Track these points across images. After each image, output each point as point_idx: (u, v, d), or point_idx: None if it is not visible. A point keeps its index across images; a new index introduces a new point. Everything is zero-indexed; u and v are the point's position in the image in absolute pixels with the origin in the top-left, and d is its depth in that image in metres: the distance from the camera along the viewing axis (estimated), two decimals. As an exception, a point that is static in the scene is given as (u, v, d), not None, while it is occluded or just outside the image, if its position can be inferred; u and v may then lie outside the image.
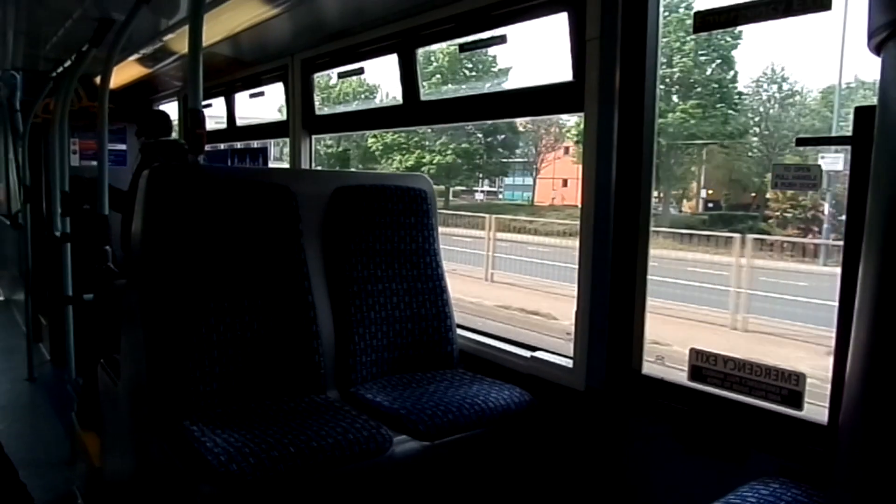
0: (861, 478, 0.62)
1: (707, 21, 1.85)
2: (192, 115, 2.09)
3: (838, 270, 1.47)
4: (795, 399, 1.70)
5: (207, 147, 4.89)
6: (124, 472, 2.32)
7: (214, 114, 4.50)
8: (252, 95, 4.07)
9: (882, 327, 0.60)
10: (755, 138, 14.21)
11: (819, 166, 1.70)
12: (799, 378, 1.70)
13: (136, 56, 3.88)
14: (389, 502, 1.93)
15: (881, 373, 0.59)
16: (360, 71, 3.13)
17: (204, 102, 2.19)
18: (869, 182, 0.63)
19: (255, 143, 4.77)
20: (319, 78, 3.53)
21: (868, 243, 0.63)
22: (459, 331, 2.59)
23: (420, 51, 2.84)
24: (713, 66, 13.94)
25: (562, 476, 2.18)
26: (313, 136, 3.56)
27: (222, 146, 4.88)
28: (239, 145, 4.77)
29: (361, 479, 1.85)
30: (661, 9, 1.96)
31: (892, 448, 0.57)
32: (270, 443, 1.74)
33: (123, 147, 5.41)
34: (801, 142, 1.77)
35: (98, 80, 3.34)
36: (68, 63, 4.03)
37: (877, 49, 0.62)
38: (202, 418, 1.90)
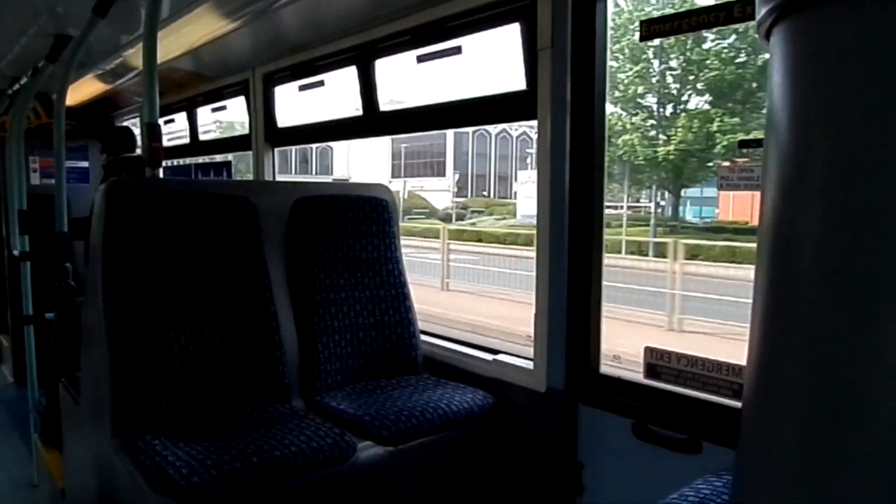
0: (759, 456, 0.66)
1: (653, 30, 1.92)
2: (149, 129, 2.10)
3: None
4: None
5: (172, 162, 4.88)
6: (87, 491, 2.29)
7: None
8: (214, 110, 4.07)
9: (769, 321, 0.65)
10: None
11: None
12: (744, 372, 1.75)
13: (96, 72, 3.85)
14: None
15: (772, 361, 0.64)
16: (321, 83, 3.15)
17: (166, 118, 2.20)
18: (765, 178, 0.67)
19: (219, 158, 4.75)
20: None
21: (759, 240, 0.66)
22: (423, 336, 2.61)
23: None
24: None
25: (525, 475, 2.21)
26: (276, 149, 3.57)
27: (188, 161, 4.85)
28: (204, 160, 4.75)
29: (326, 487, 1.86)
30: (609, 19, 2.02)
31: (782, 430, 0.62)
32: (233, 454, 1.74)
33: (86, 164, 5.35)
34: (743, 144, 1.84)
35: (55, 96, 3.31)
36: (24, 79, 3.99)
37: (766, 36, 0.66)
38: (164, 432, 1.89)
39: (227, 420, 2.00)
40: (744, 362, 1.74)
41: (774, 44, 0.64)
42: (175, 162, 5.01)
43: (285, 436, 1.87)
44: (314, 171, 32.42)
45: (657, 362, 1.93)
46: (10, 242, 3.86)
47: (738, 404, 1.76)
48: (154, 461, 1.75)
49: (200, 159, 4.65)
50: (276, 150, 3.59)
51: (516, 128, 31.82)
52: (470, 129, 30.91)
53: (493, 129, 31.74)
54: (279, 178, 3.71)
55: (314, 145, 29.66)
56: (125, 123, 5.26)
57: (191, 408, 2.02)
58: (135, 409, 1.94)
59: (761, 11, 0.64)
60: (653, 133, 16.49)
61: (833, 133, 0.58)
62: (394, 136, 27.98)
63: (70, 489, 2.62)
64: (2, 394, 4.69)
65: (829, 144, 0.58)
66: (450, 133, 30.25)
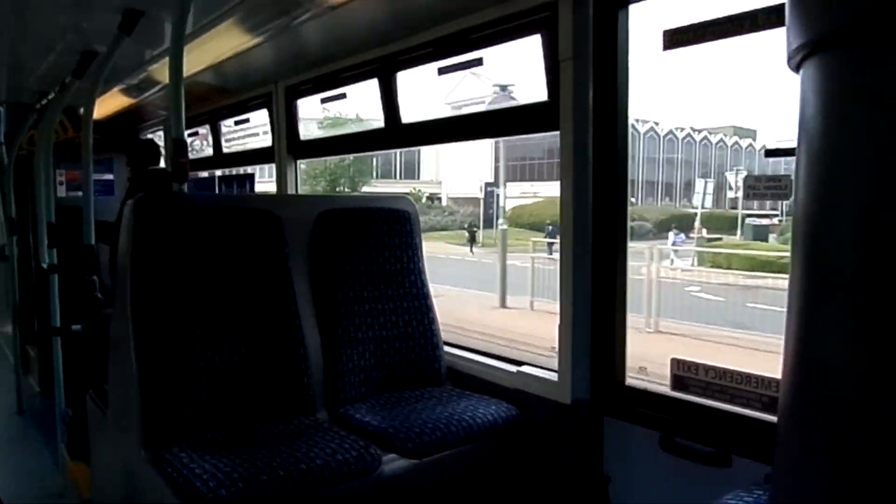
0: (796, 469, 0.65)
1: (675, 39, 1.90)
2: (176, 144, 2.12)
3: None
4: (776, 406, 1.72)
5: (194, 175, 4.94)
6: (114, 502, 2.31)
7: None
8: (237, 122, 4.11)
9: (806, 333, 0.64)
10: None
11: (789, 176, 1.74)
12: (779, 385, 1.72)
13: (121, 86, 3.92)
14: None
15: (809, 374, 0.63)
16: (343, 96, 3.18)
17: (189, 130, 2.22)
18: (793, 195, 0.66)
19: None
20: None
21: (793, 251, 0.66)
22: (446, 347, 2.61)
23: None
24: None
25: (550, 488, 2.19)
26: (298, 161, 3.60)
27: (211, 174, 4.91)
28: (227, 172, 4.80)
29: (352, 500, 1.86)
30: (630, 30, 2.01)
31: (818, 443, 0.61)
32: (259, 466, 1.75)
33: (111, 177, 5.42)
34: (769, 153, 1.82)
35: (82, 111, 3.37)
36: (52, 95, 4.07)
37: (796, 68, 0.66)
38: (191, 445, 1.91)
39: (252, 432, 2.01)
40: (772, 374, 1.72)
41: (805, 77, 0.64)
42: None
43: (310, 448, 1.88)
44: (398, 176, 29.92)
45: (684, 374, 1.91)
46: (39, 255, 3.92)
47: (769, 417, 1.74)
48: (182, 474, 1.76)
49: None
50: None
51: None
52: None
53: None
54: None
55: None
56: (149, 136, 5.34)
57: (217, 420, 2.03)
58: (162, 422, 1.96)
59: (794, 46, 0.64)
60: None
61: (867, 141, 0.57)
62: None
63: (96, 500, 2.65)
64: (29, 404, 4.76)
65: (864, 154, 0.57)
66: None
